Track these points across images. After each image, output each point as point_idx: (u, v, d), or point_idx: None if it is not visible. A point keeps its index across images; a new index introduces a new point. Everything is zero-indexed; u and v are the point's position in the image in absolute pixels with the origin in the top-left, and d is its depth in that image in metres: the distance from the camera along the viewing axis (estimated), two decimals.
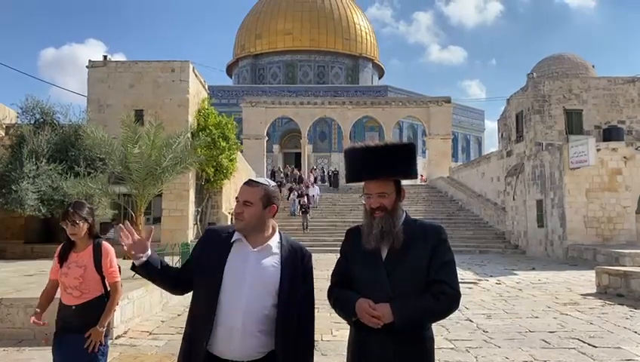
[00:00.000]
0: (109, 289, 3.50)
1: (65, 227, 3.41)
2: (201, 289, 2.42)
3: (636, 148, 18.81)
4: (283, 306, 2.42)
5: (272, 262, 2.45)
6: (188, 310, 2.52)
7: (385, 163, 2.43)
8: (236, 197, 2.47)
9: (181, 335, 2.48)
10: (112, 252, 3.51)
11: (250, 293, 2.36)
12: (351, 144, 2.73)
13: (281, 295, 2.42)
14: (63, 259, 3.46)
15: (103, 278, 3.44)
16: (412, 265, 2.39)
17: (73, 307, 3.35)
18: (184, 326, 2.50)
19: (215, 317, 2.33)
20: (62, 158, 16.96)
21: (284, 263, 2.46)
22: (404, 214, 2.51)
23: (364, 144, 2.54)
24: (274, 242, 2.48)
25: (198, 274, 2.45)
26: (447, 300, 2.38)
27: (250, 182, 2.49)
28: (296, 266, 2.49)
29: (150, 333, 7.26)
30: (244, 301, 2.34)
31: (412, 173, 2.51)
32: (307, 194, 29.05)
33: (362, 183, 2.53)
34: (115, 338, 6.81)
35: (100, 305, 3.40)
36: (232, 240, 2.44)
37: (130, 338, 6.99)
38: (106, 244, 3.50)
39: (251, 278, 2.38)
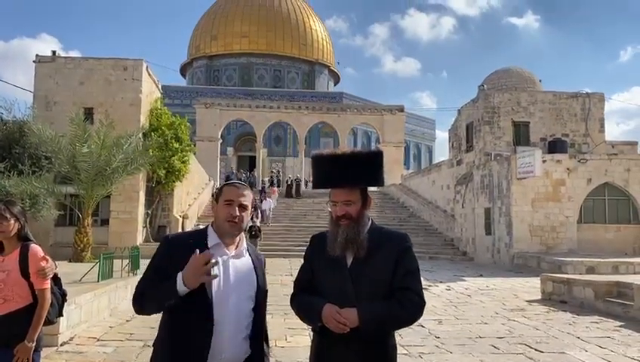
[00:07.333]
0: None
1: None
2: (186, 300, 2.22)
3: (579, 161, 19.68)
4: (258, 309, 2.40)
5: (247, 265, 2.42)
6: (162, 320, 2.35)
7: (351, 171, 2.42)
8: (228, 200, 2.35)
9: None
10: (40, 255, 3.21)
11: (237, 299, 2.31)
12: (319, 150, 2.71)
13: (257, 298, 2.40)
14: None
15: (31, 285, 3.15)
16: (377, 272, 2.40)
17: None
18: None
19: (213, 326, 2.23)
20: (4, 156, 16.23)
21: (255, 266, 2.45)
22: (370, 222, 2.52)
23: (331, 151, 2.55)
24: (244, 245, 2.45)
25: None
26: (412, 307, 2.39)
27: (242, 186, 2.41)
28: (262, 269, 2.50)
29: (98, 339, 6.99)
30: (232, 308, 2.29)
31: (379, 181, 2.53)
32: (260, 209, 24.83)
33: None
34: (61, 345, 6.54)
35: (28, 316, 3.11)
36: (211, 244, 2.32)
37: (77, 344, 6.71)
38: (34, 247, 3.21)
39: (235, 284, 2.32)
